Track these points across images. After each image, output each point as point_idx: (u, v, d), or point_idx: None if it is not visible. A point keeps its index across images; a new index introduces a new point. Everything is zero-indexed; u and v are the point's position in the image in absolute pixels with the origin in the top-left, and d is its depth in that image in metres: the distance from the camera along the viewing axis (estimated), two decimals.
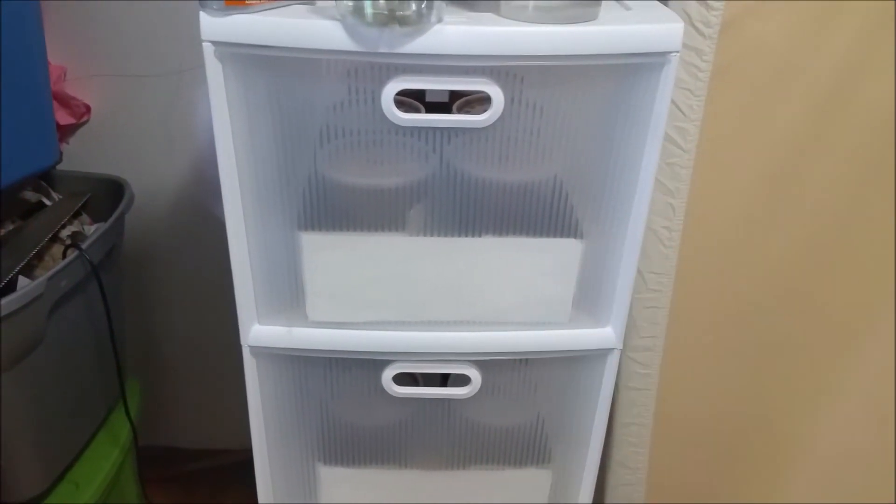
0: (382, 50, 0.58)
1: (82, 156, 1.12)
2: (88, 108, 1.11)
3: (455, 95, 0.76)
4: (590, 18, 0.61)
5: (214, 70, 0.60)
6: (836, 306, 0.96)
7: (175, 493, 1.37)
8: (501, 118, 0.63)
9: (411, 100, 0.71)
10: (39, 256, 0.95)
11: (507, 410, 0.82)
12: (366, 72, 0.61)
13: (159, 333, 1.32)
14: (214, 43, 0.59)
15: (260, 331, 0.74)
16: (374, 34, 0.58)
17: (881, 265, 0.93)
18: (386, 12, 0.56)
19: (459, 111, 0.75)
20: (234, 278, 0.70)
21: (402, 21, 0.57)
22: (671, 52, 0.61)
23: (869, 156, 0.89)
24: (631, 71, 0.63)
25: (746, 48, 0.84)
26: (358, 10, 0.57)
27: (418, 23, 0.57)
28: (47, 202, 1.03)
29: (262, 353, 0.75)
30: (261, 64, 0.61)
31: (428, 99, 0.74)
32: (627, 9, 0.65)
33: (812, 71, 0.85)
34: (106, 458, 1.05)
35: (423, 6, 0.57)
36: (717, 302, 0.97)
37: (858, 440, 1.01)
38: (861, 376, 0.98)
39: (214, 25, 0.58)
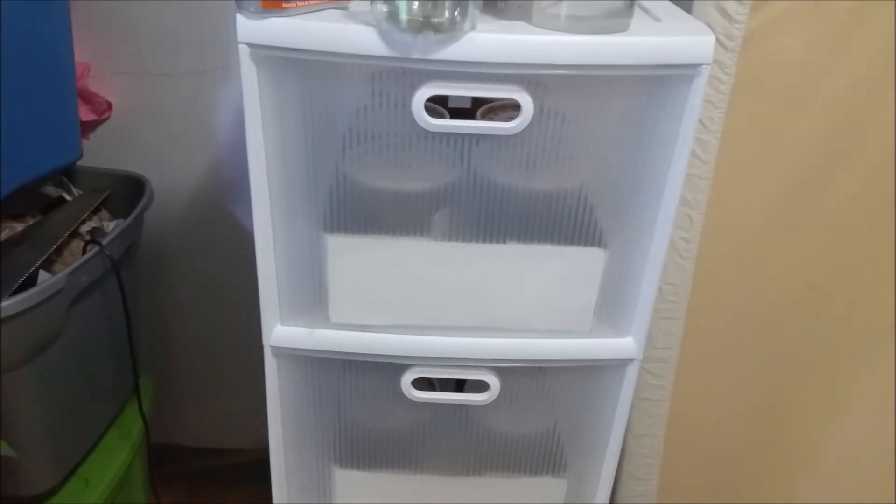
0: (416, 56, 0.59)
1: (103, 152, 1.12)
2: (110, 105, 1.11)
3: (477, 101, 0.76)
4: (621, 29, 0.61)
5: (249, 72, 0.60)
6: (851, 320, 0.96)
7: (182, 492, 1.37)
8: (529, 126, 0.63)
9: (435, 105, 0.72)
10: (59, 251, 0.95)
11: (524, 418, 0.82)
12: (397, 76, 0.62)
13: (172, 330, 1.32)
14: (250, 45, 0.59)
15: (282, 331, 0.74)
16: (407, 40, 0.58)
17: None
18: (420, 19, 0.57)
19: (483, 117, 0.76)
20: (259, 278, 0.71)
21: (436, 28, 0.57)
22: (702, 65, 0.61)
23: (887, 172, 0.89)
24: (660, 82, 0.63)
25: (768, 62, 0.84)
26: (392, 16, 0.57)
27: (451, 30, 0.58)
28: (68, 197, 1.03)
29: (283, 353, 0.75)
30: (294, 66, 0.62)
31: (451, 105, 0.74)
32: (658, 20, 0.65)
33: (832, 86, 0.85)
34: (117, 455, 1.05)
35: (456, 13, 0.57)
36: (732, 314, 0.97)
37: (873, 456, 1.01)
38: (875, 390, 0.98)
39: (251, 27, 0.58)
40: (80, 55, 1.05)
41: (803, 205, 0.91)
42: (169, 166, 1.15)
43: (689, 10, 0.84)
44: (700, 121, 0.86)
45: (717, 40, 0.83)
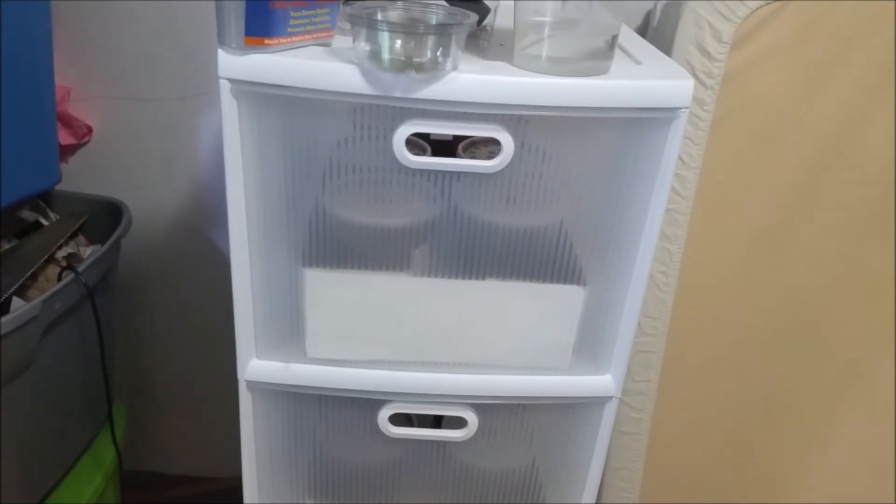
0: (398, 94, 0.59)
1: (81, 176, 1.11)
2: (90, 129, 1.11)
3: (459, 135, 0.76)
4: (602, 72, 0.62)
5: (229, 107, 0.60)
6: (830, 352, 0.97)
7: None
8: (510, 164, 0.63)
9: (416, 138, 0.72)
10: (34, 277, 0.94)
11: (502, 454, 0.81)
12: (379, 111, 0.62)
13: (148, 358, 1.31)
14: (231, 80, 0.59)
15: (257, 365, 0.73)
16: (390, 79, 0.58)
17: (877, 316, 0.94)
18: (403, 58, 0.57)
19: (465, 152, 0.76)
20: (236, 312, 0.70)
21: (419, 67, 0.57)
22: (681, 108, 0.62)
23: (865, 208, 0.90)
24: (640, 124, 0.64)
25: (746, 99, 0.86)
26: (375, 56, 0.57)
27: (433, 69, 0.58)
28: (44, 222, 1.02)
29: (258, 388, 0.74)
30: (275, 102, 0.61)
31: (433, 137, 0.74)
32: (638, 62, 0.66)
33: (810, 123, 0.87)
34: (89, 482, 1.03)
35: (438, 53, 0.58)
36: (710, 347, 0.98)
37: (851, 489, 1.01)
38: (853, 424, 0.99)
39: (232, 63, 0.58)
40: (61, 79, 1.05)
41: (781, 239, 0.92)
42: (148, 192, 1.14)
43: (669, 49, 0.86)
44: (679, 157, 0.86)
45: (697, 78, 0.84)
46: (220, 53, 0.58)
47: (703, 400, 1.00)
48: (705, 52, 0.83)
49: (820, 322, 0.96)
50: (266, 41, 0.58)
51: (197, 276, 1.21)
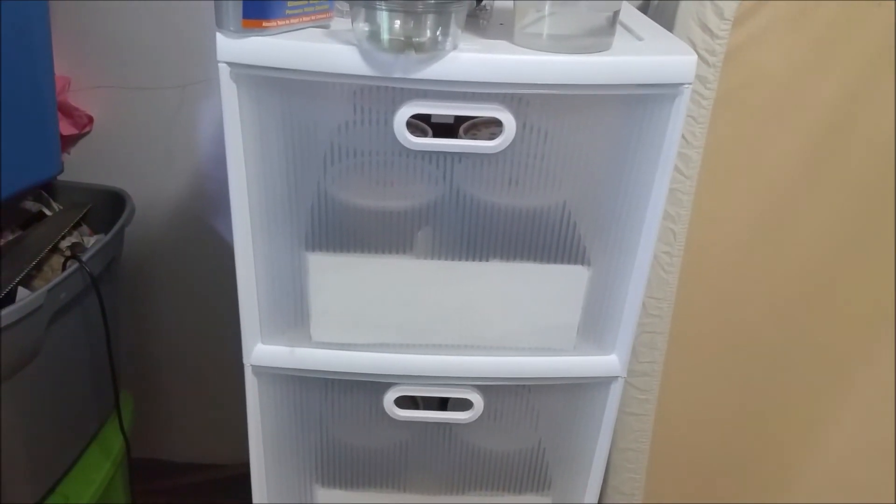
0: (397, 75, 0.58)
1: (83, 166, 1.11)
2: (91, 119, 1.10)
3: (461, 117, 0.76)
4: (603, 48, 0.61)
5: (229, 90, 0.60)
6: (834, 331, 0.97)
7: None
8: (512, 143, 0.63)
9: (418, 122, 0.71)
10: (38, 267, 0.94)
11: (508, 436, 0.81)
12: (379, 93, 0.62)
13: (154, 346, 1.31)
14: (230, 64, 0.59)
15: (262, 350, 0.73)
16: (389, 59, 0.58)
17: (880, 291, 0.94)
18: (402, 38, 0.57)
19: (466, 133, 0.75)
20: (240, 297, 0.70)
21: (418, 47, 0.57)
22: (684, 84, 0.61)
23: (870, 183, 0.90)
24: (643, 101, 0.63)
25: (749, 77, 0.85)
26: (374, 36, 0.57)
27: (433, 49, 0.58)
28: (48, 212, 1.02)
29: (263, 372, 0.74)
30: (275, 85, 0.61)
31: (434, 120, 0.74)
32: (640, 39, 0.65)
33: (813, 100, 0.86)
34: (97, 471, 1.04)
35: (438, 33, 0.57)
36: (715, 327, 0.98)
37: (859, 465, 1.01)
38: (860, 401, 0.99)
39: (231, 47, 0.58)
40: (61, 69, 1.05)
41: (786, 217, 0.91)
42: (150, 180, 1.14)
43: (671, 26, 0.85)
44: (682, 135, 0.86)
45: (700, 56, 0.83)
46: (219, 37, 0.58)
47: (709, 380, 1.00)
48: (707, 30, 0.83)
49: (824, 299, 0.95)
50: (264, 24, 0.57)
51: (201, 263, 1.21)
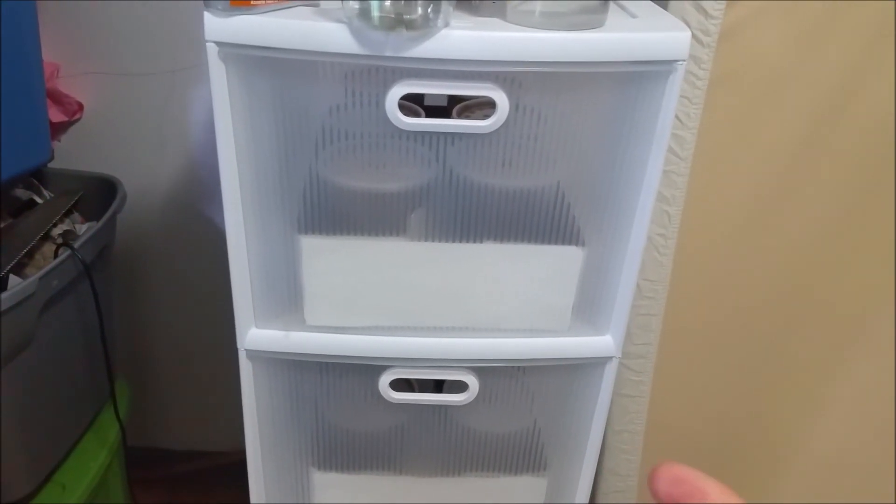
0: (388, 54, 0.58)
1: (74, 154, 1.10)
2: (81, 106, 1.10)
3: (454, 100, 0.76)
4: (596, 25, 0.60)
5: (217, 71, 0.59)
6: (830, 314, 0.97)
7: (162, 495, 1.36)
8: (505, 124, 0.62)
9: (410, 104, 0.71)
10: (30, 255, 0.93)
11: (503, 418, 0.81)
12: (370, 74, 0.61)
13: (148, 333, 1.31)
14: (218, 43, 0.58)
15: (257, 334, 0.73)
16: (380, 38, 0.57)
17: (878, 274, 0.94)
18: (393, 16, 0.56)
19: (459, 115, 0.75)
20: (233, 281, 0.69)
21: (409, 25, 0.56)
22: (678, 61, 0.61)
23: (866, 165, 0.89)
24: (636, 79, 0.63)
25: (744, 57, 0.85)
26: (364, 13, 0.56)
27: (425, 27, 0.57)
28: (39, 200, 1.02)
29: (258, 356, 0.74)
30: (264, 65, 0.60)
31: (427, 103, 0.73)
32: (633, 16, 0.65)
33: (809, 80, 0.85)
34: (93, 459, 1.04)
35: (429, 10, 0.56)
36: (710, 309, 0.98)
37: (853, 447, 1.01)
38: (855, 384, 0.99)
39: (219, 26, 0.57)
40: (50, 55, 1.04)
41: (781, 199, 0.91)
42: (142, 167, 1.14)
43: (665, 7, 0.84)
44: (676, 117, 0.85)
45: (694, 36, 0.82)
46: (206, 16, 0.57)
47: (704, 363, 1.00)
48: (701, 10, 0.82)
49: (820, 282, 0.95)
50: (252, 2, 0.57)
51: (194, 248, 1.21)
